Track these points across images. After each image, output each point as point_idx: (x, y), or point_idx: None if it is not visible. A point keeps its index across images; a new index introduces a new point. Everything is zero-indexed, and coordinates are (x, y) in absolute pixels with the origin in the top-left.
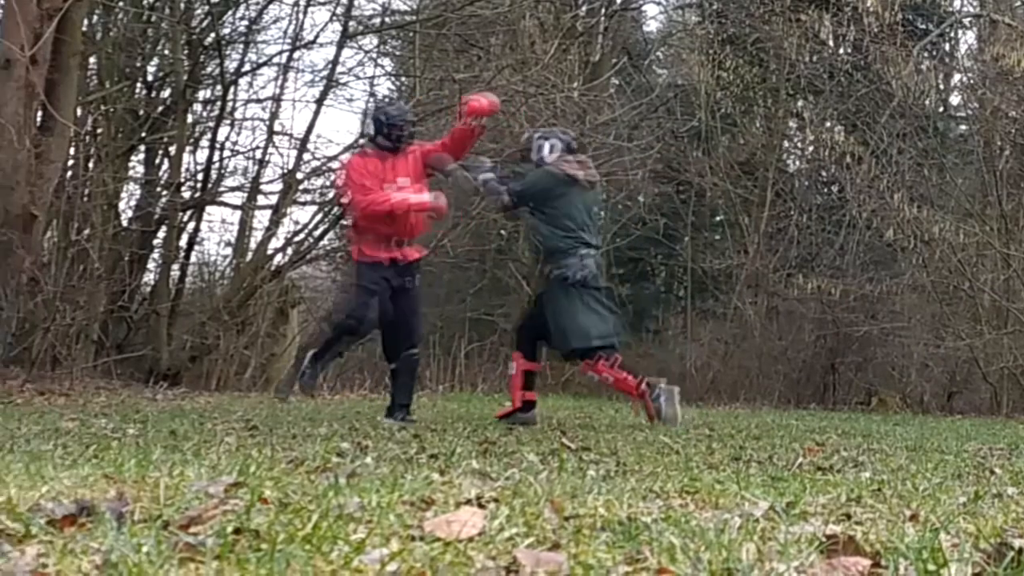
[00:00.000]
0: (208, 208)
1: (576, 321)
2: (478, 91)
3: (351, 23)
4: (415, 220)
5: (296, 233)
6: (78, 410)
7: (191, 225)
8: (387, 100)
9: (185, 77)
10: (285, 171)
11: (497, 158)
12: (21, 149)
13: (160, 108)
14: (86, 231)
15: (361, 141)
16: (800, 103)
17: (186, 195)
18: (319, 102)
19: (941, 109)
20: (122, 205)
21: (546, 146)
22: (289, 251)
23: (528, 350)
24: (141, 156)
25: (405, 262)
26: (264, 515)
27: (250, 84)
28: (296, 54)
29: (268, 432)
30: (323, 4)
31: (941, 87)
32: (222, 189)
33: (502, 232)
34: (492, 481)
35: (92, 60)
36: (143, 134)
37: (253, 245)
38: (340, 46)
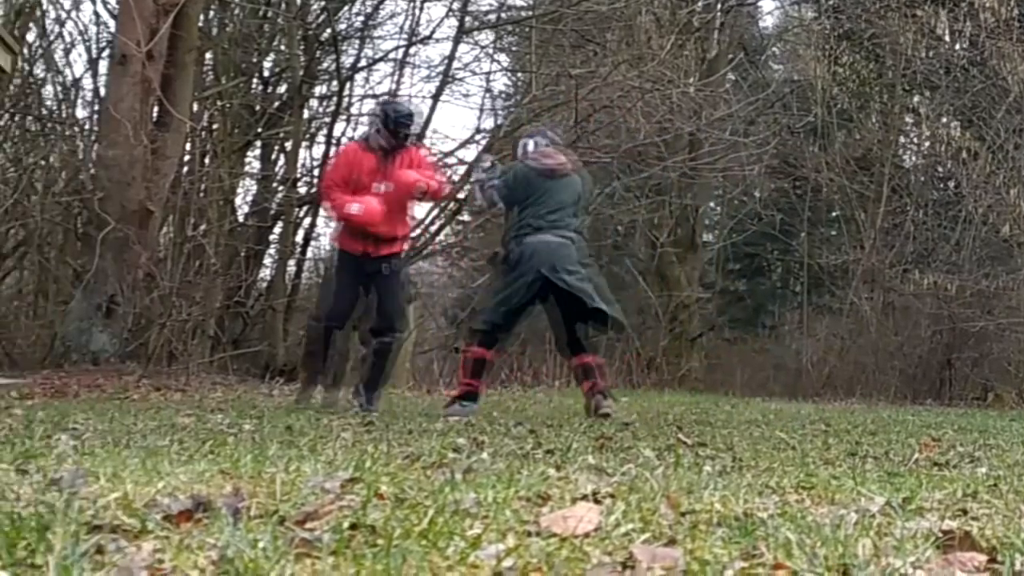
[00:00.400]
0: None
1: (492, 304)
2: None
3: (467, 18)
4: (386, 223)
5: (413, 228)
6: (194, 406)
7: (307, 220)
8: (393, 97)
9: (301, 73)
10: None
11: (613, 154)
12: (137, 145)
13: (276, 104)
14: (202, 227)
15: (477, 134)
16: (916, 99)
17: (302, 191)
18: (435, 97)
19: None
20: (238, 201)
21: (530, 144)
22: (404, 246)
23: (570, 346)
24: (257, 152)
25: (377, 255)
26: (380, 511)
27: (366, 79)
28: (412, 49)
29: (384, 428)
30: None
31: None
32: None
33: (618, 228)
34: (608, 477)
35: (208, 56)
36: (259, 130)
37: None
38: (456, 41)
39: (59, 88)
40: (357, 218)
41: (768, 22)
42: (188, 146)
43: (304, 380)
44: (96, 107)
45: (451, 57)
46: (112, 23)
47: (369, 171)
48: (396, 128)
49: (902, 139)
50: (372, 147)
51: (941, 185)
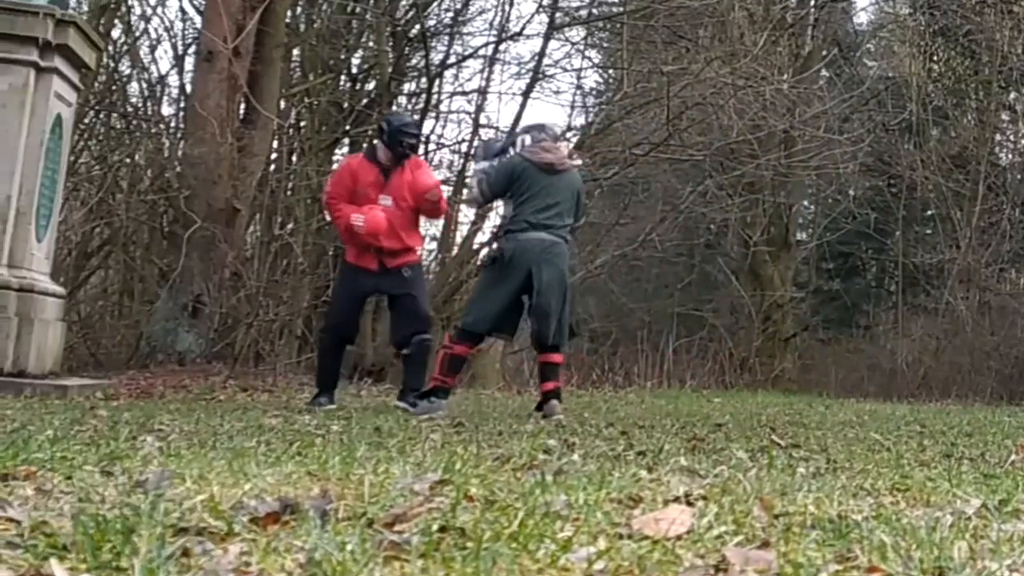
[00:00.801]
0: None
1: (479, 302)
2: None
3: (558, 14)
4: (389, 235)
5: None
6: (281, 406)
7: None
8: (394, 111)
9: (390, 69)
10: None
11: (705, 152)
12: (224, 143)
13: (364, 101)
14: (289, 225)
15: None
16: (1012, 96)
17: None
18: (525, 94)
19: None
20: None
21: (527, 138)
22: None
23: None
24: (345, 149)
25: (394, 265)
26: (470, 513)
27: (455, 76)
28: (502, 46)
29: (474, 429)
30: None
31: None
32: None
33: (711, 226)
34: (700, 478)
35: (296, 52)
36: (347, 127)
37: (459, 239)
38: (547, 38)
39: (145, 85)
40: (362, 230)
41: (862, 18)
42: (275, 144)
43: (319, 388)
44: (182, 104)
45: (541, 54)
46: (198, 19)
47: (372, 184)
48: (398, 139)
49: (998, 136)
50: (377, 160)
51: None
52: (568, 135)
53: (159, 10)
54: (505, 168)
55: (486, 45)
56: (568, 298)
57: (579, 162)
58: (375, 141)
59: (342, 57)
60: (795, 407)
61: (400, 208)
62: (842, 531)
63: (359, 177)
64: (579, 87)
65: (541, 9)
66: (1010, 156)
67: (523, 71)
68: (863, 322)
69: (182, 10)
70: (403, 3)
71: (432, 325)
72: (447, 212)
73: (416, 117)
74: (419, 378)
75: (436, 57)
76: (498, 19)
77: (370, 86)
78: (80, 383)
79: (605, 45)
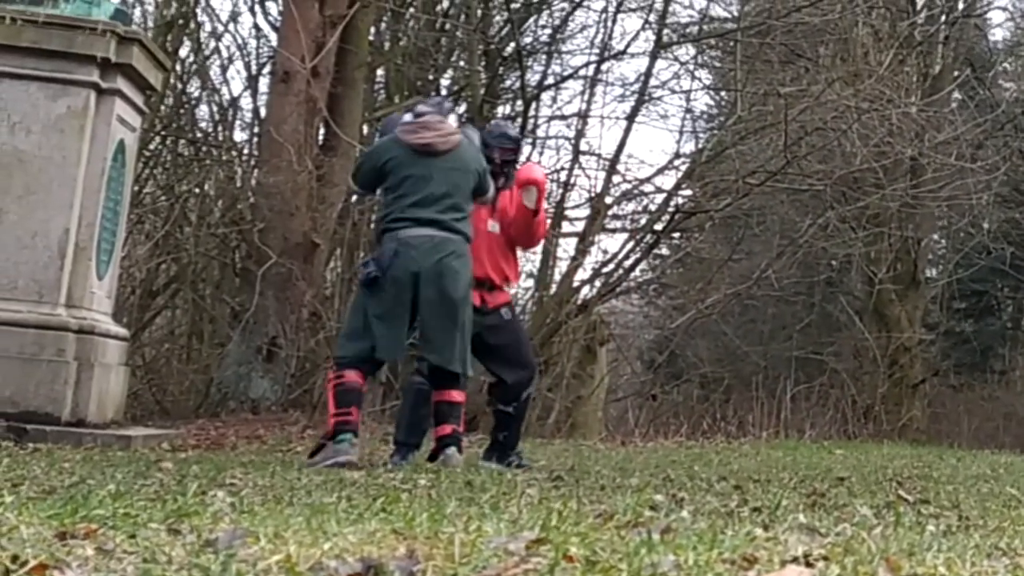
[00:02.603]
0: None
1: (350, 326)
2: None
3: (665, 31)
4: (491, 264)
5: (605, 263)
6: (364, 459)
7: None
8: (494, 120)
9: (482, 91)
10: (593, 195)
11: (826, 181)
12: (302, 171)
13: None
14: None
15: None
16: None
17: None
18: (630, 118)
19: None
20: None
21: (407, 115)
22: (597, 283)
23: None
24: None
25: (495, 305)
26: (569, 574)
27: (554, 99)
28: (604, 66)
29: (574, 483)
30: (634, 11)
31: None
32: None
33: (832, 262)
34: (821, 537)
35: (380, 72)
36: None
37: (557, 277)
38: (653, 57)
39: (215, 108)
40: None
41: (998, 35)
42: None
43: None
44: (256, 129)
45: (647, 74)
46: (273, 37)
47: (479, 207)
48: (486, 153)
49: None
50: None
51: None
52: (676, 163)
53: (231, 27)
54: (371, 153)
55: (587, 65)
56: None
57: (475, 134)
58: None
59: (430, 78)
60: (924, 459)
61: (506, 232)
62: None
63: None
64: (688, 110)
65: (647, 26)
66: None
67: (627, 93)
68: (998, 367)
69: (256, 27)
70: (497, 19)
71: (536, 375)
72: (544, 235)
73: (517, 130)
74: (518, 436)
75: (533, 78)
76: (600, 37)
77: (461, 109)
78: (145, 433)
79: (717, 65)
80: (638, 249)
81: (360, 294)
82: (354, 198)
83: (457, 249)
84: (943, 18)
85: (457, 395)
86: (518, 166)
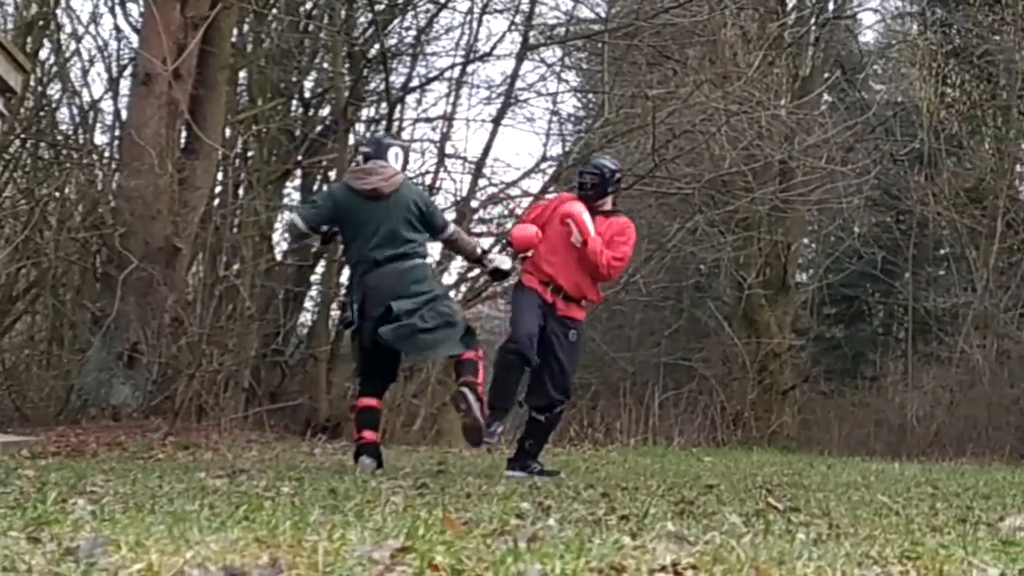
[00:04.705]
0: None
1: (357, 362)
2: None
3: (532, 33)
4: (566, 274)
5: (470, 268)
6: (226, 466)
7: None
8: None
9: (347, 93)
10: (459, 198)
11: (695, 184)
12: (163, 174)
13: (319, 128)
14: (236, 266)
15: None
16: None
17: None
18: (496, 121)
19: None
20: (276, 237)
21: (360, 158)
22: (463, 288)
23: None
24: (297, 182)
25: (566, 315)
26: None
27: (419, 101)
28: (470, 68)
29: (439, 491)
30: (500, 12)
31: None
32: None
33: (701, 267)
34: (690, 545)
35: (242, 74)
36: (299, 157)
37: None
38: (519, 59)
39: (76, 111)
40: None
41: (868, 37)
42: (220, 175)
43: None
44: (117, 132)
45: (514, 76)
46: (135, 38)
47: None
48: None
49: (1018, 167)
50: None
51: None
52: (543, 166)
53: (92, 28)
54: (325, 197)
55: (453, 67)
56: (443, 308)
57: (408, 174)
58: None
59: (294, 80)
60: (794, 466)
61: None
62: None
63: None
64: (555, 113)
65: (513, 27)
66: None
67: (493, 96)
68: (869, 373)
69: (117, 28)
70: (361, 20)
71: (571, 398)
72: (608, 263)
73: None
74: (542, 446)
75: (398, 80)
76: (466, 38)
77: (324, 112)
78: (4, 440)
79: (584, 67)
80: (505, 253)
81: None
82: (287, 240)
83: (419, 273)
84: (813, 19)
85: (468, 353)
86: (604, 197)
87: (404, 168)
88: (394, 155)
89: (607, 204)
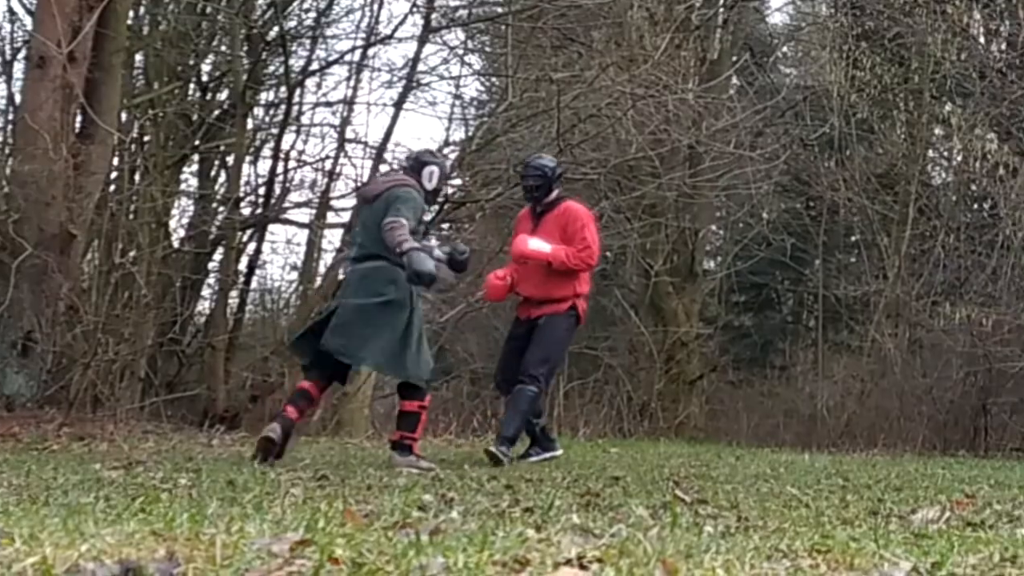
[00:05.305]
0: (271, 227)
1: None
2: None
3: (434, 15)
4: (533, 283)
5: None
6: (122, 457)
7: (251, 246)
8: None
9: (245, 77)
10: (359, 184)
11: (601, 170)
12: (57, 159)
13: (216, 112)
14: (132, 253)
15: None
16: (947, 107)
17: (246, 212)
18: (398, 105)
19: None
20: (173, 223)
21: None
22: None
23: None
24: (195, 167)
25: (539, 314)
26: None
27: (319, 85)
28: (371, 51)
29: (339, 482)
30: None
31: None
32: (287, 205)
33: (607, 254)
34: (595, 538)
35: (139, 57)
36: (197, 142)
37: (322, 269)
38: (421, 41)
39: None
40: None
41: (777, 19)
42: (116, 161)
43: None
44: (10, 116)
45: (415, 59)
46: (28, 20)
47: (524, 232)
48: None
49: (931, 153)
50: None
51: (975, 206)
52: (446, 151)
53: None
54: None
55: (353, 50)
56: (387, 322)
57: (404, 181)
58: None
59: (191, 63)
60: (702, 458)
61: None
62: None
63: (519, 226)
64: (458, 97)
65: (415, 9)
66: (944, 175)
67: (395, 79)
68: (779, 362)
69: (10, 10)
70: (260, 2)
71: (539, 381)
72: (578, 262)
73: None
74: (511, 426)
75: (297, 63)
76: (367, 21)
77: (222, 96)
78: None
79: (487, 50)
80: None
81: None
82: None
83: (380, 274)
84: (721, 1)
85: (407, 405)
86: (550, 193)
87: (441, 184)
88: (428, 174)
89: (552, 195)
